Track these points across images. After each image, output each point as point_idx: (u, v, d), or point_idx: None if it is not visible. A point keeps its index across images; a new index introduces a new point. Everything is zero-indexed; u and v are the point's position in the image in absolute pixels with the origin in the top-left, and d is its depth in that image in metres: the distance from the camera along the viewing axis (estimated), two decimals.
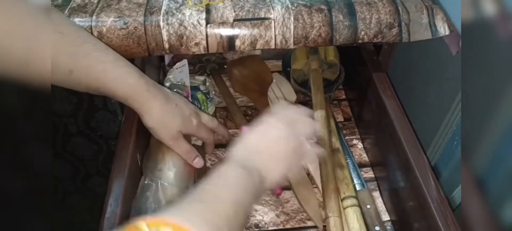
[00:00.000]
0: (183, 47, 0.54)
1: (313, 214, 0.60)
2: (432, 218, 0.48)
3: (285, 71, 0.85)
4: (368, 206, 0.60)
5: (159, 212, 0.33)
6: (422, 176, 0.51)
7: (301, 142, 0.49)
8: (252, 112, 0.78)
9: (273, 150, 0.46)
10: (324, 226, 0.58)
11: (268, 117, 0.49)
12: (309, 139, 0.51)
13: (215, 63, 0.84)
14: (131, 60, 0.66)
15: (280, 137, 0.47)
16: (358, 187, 0.64)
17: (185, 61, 0.85)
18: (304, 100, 0.81)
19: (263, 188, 0.44)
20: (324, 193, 0.58)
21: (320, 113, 0.67)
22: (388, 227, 0.61)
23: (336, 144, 0.68)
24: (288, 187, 0.65)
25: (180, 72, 0.84)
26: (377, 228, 0.58)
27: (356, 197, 0.60)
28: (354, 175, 0.65)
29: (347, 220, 0.58)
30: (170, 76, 0.82)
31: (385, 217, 0.62)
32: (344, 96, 0.84)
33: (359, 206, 0.60)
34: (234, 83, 0.82)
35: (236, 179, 0.41)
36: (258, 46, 0.54)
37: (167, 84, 0.79)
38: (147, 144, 0.63)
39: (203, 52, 0.54)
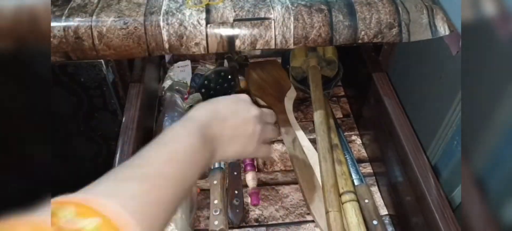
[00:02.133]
0: (183, 47, 0.54)
1: (314, 211, 0.60)
2: (430, 211, 0.48)
3: (284, 69, 0.85)
4: (366, 201, 0.61)
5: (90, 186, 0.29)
6: (420, 171, 0.51)
7: (266, 133, 0.47)
8: None
9: (239, 127, 0.43)
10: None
11: (244, 97, 0.47)
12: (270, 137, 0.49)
13: (236, 62, 0.83)
14: (131, 60, 0.67)
15: (250, 117, 0.44)
16: (356, 182, 0.64)
17: (188, 62, 0.85)
18: (303, 97, 0.81)
19: (209, 163, 0.40)
20: (324, 188, 0.59)
21: (319, 110, 0.67)
22: (386, 221, 0.61)
23: (335, 140, 0.68)
24: (293, 182, 0.66)
25: (182, 71, 0.84)
26: (375, 222, 0.58)
27: (354, 192, 0.61)
28: (352, 170, 0.66)
29: (346, 215, 0.58)
30: (170, 73, 0.82)
31: (383, 211, 0.63)
32: (343, 93, 0.84)
33: (358, 200, 0.60)
34: (252, 85, 0.83)
35: (188, 149, 0.36)
36: (258, 46, 0.54)
37: (168, 81, 0.79)
38: (148, 143, 0.63)
39: (203, 52, 0.54)
